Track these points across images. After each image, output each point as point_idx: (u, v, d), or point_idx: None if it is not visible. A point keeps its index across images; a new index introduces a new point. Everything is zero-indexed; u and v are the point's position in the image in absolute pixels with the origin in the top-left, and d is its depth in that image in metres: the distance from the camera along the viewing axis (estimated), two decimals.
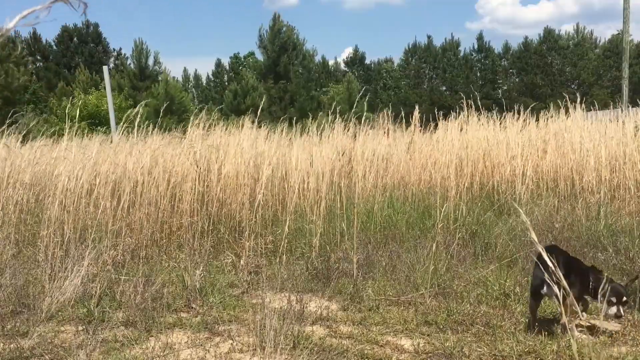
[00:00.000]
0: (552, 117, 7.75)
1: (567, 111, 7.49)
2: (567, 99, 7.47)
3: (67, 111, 9.70)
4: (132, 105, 24.57)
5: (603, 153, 6.48)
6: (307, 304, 3.73)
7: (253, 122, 6.76)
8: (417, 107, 7.71)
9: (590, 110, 8.87)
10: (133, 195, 5.49)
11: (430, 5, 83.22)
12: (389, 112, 8.30)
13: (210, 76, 53.10)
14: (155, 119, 6.58)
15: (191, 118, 6.14)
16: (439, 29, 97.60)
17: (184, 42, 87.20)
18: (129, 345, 3.23)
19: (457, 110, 7.62)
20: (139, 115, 6.02)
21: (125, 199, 5.25)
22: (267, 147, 6.49)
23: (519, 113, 7.87)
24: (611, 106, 9.45)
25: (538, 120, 7.91)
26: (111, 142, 7.45)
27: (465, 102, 7.59)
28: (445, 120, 7.67)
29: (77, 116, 5.87)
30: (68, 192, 4.92)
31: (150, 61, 34.09)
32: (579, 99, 7.46)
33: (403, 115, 8.44)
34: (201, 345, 3.25)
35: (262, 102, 6.04)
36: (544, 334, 3.23)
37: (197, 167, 5.73)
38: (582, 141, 6.76)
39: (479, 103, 7.62)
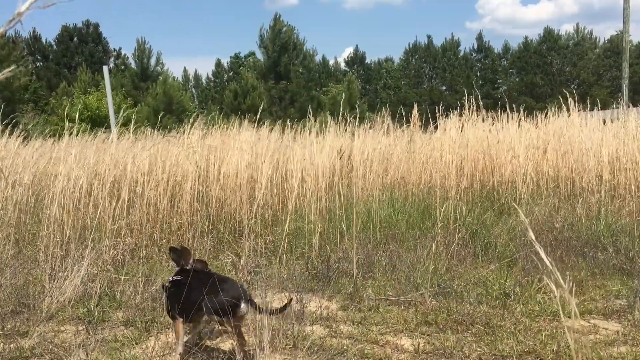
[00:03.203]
0: (551, 116, 7.73)
1: (568, 109, 7.47)
2: (566, 99, 7.44)
3: (66, 112, 9.66)
4: (132, 105, 24.53)
5: (604, 152, 6.47)
6: (307, 303, 3.73)
7: (253, 121, 6.74)
8: (415, 105, 7.67)
9: (592, 109, 8.86)
10: (133, 195, 5.48)
11: (430, 5, 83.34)
12: (389, 111, 8.28)
13: (210, 76, 53.15)
14: (154, 119, 6.56)
15: (191, 116, 6.11)
16: (439, 29, 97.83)
17: (184, 42, 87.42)
18: (128, 345, 3.23)
19: (458, 108, 7.57)
20: (138, 116, 5.99)
21: (124, 199, 5.24)
22: (266, 146, 6.48)
23: (518, 112, 7.85)
24: (613, 106, 9.44)
25: (537, 119, 7.89)
26: (111, 142, 7.43)
27: (465, 100, 7.55)
28: (445, 118, 7.63)
29: (76, 118, 5.84)
30: (67, 192, 4.91)
31: (152, 61, 34.15)
32: (574, 98, 7.44)
33: (403, 113, 8.41)
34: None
35: (263, 102, 6.03)
36: (544, 334, 3.23)
37: (197, 166, 5.73)
38: (581, 140, 6.75)
39: (480, 102, 7.59)
